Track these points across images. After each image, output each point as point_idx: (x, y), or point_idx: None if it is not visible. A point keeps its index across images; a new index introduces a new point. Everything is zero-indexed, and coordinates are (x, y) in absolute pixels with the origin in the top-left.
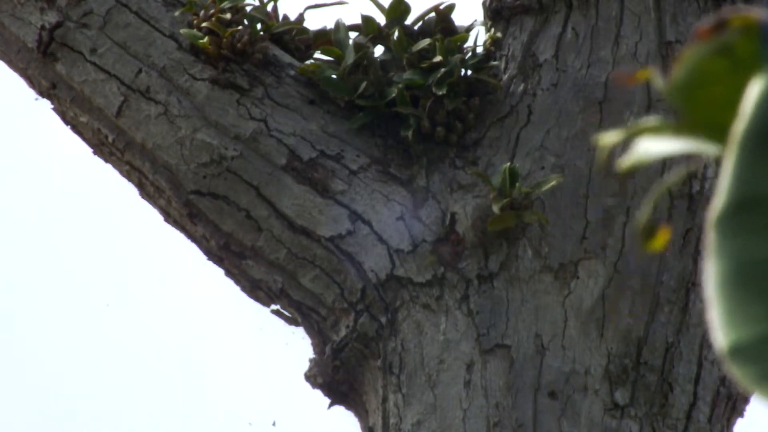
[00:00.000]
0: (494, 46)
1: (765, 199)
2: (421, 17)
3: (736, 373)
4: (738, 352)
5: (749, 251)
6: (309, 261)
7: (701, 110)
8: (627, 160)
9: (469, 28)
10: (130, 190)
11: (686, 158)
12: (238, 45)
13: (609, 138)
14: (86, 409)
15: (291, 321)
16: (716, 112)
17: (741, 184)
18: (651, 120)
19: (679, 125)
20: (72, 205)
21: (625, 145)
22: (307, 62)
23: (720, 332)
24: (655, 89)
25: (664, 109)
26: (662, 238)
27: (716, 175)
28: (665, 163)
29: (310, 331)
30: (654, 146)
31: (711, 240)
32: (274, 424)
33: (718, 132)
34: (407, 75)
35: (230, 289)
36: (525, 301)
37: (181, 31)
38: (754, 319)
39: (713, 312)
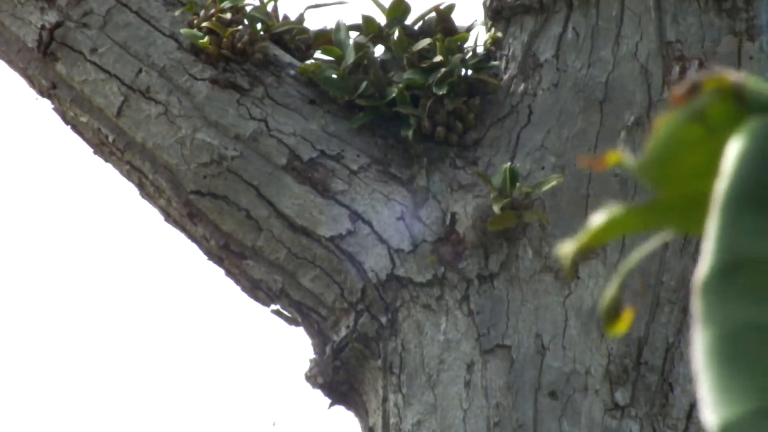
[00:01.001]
0: (494, 46)
1: (749, 262)
2: (421, 17)
3: None
4: (729, 430)
5: (734, 317)
6: (309, 261)
7: (677, 181)
8: (583, 238)
9: (469, 28)
10: (130, 190)
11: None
12: (238, 45)
13: (568, 247)
14: (86, 410)
15: (291, 321)
16: (693, 181)
17: (725, 248)
18: (612, 211)
19: (648, 207)
20: (72, 205)
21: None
22: (308, 62)
23: (709, 409)
24: (655, 88)
25: (665, 109)
26: (625, 322)
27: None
28: None
29: (310, 331)
30: (612, 227)
31: (697, 307)
32: (274, 424)
33: (695, 205)
34: (407, 75)
35: (230, 289)
36: (525, 301)
37: (182, 31)
38: (741, 395)
39: (702, 387)
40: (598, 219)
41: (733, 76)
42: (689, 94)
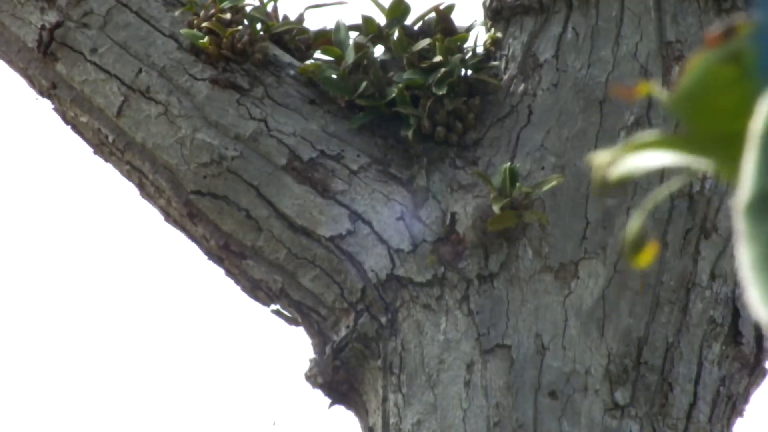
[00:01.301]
0: (494, 46)
1: None
2: (421, 17)
3: None
4: None
5: None
6: (309, 261)
7: (708, 119)
8: (618, 171)
9: (469, 28)
10: (130, 190)
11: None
12: (238, 45)
13: (603, 157)
14: (86, 410)
15: (291, 321)
16: (725, 120)
17: (765, 175)
18: (648, 134)
19: (679, 138)
20: (72, 205)
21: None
22: (307, 62)
23: (762, 308)
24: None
25: (665, 109)
26: (649, 254)
27: (717, 175)
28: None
29: (310, 331)
30: (647, 159)
31: (741, 228)
32: (274, 423)
33: (725, 142)
34: (407, 75)
35: (230, 289)
36: (525, 301)
37: (181, 31)
38: None
39: (751, 291)
40: (636, 137)
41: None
42: (724, 37)
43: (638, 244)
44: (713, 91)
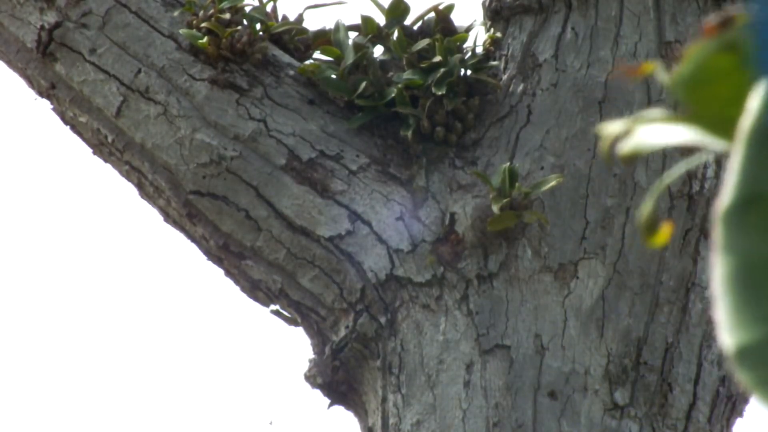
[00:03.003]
0: (494, 46)
1: None
2: (420, 17)
3: (741, 375)
4: (744, 354)
5: (756, 248)
6: (308, 261)
7: (705, 106)
8: (627, 147)
9: (468, 28)
10: (130, 191)
11: (688, 154)
12: (238, 45)
13: (611, 128)
14: (86, 410)
15: (290, 321)
16: (720, 107)
17: (748, 181)
18: (654, 113)
19: (684, 118)
20: (72, 205)
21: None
22: (307, 62)
23: (726, 333)
24: (654, 89)
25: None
26: (664, 234)
27: (716, 175)
28: (665, 162)
29: (309, 331)
30: (656, 135)
31: (718, 235)
32: (270, 423)
33: (722, 127)
34: (407, 75)
35: (230, 289)
36: (525, 301)
37: (181, 31)
38: (760, 320)
39: (719, 311)
40: (643, 114)
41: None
42: (721, 27)
43: (652, 225)
44: (710, 80)
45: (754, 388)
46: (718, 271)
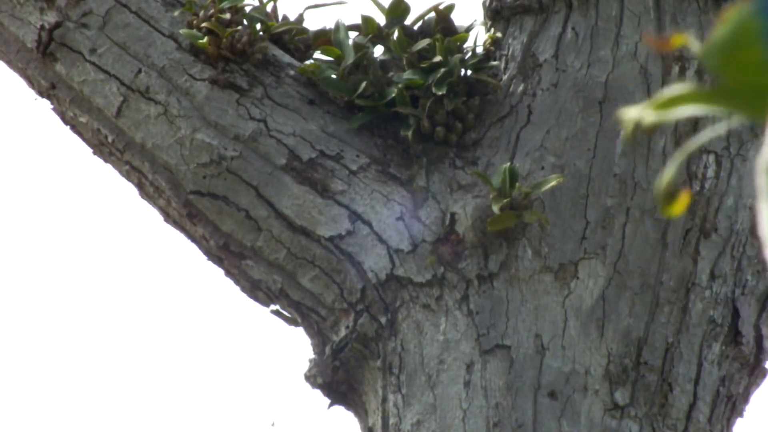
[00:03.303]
0: (494, 46)
1: None
2: (420, 17)
3: None
4: None
5: None
6: (309, 261)
7: (740, 72)
8: (652, 117)
9: (468, 28)
10: (130, 191)
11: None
12: (238, 45)
13: (633, 113)
14: (86, 410)
15: (291, 321)
16: (756, 73)
17: None
18: (677, 88)
19: (710, 92)
20: (72, 205)
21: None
22: (307, 62)
23: None
24: (655, 89)
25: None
26: (682, 203)
27: (716, 175)
28: (665, 161)
29: (309, 331)
30: (679, 108)
31: (762, 183)
32: (273, 424)
33: (755, 96)
34: (407, 75)
35: (230, 289)
36: (525, 301)
37: (181, 31)
38: None
39: None
40: (664, 92)
41: None
42: None
43: (671, 194)
44: (745, 44)
45: None
46: (764, 215)
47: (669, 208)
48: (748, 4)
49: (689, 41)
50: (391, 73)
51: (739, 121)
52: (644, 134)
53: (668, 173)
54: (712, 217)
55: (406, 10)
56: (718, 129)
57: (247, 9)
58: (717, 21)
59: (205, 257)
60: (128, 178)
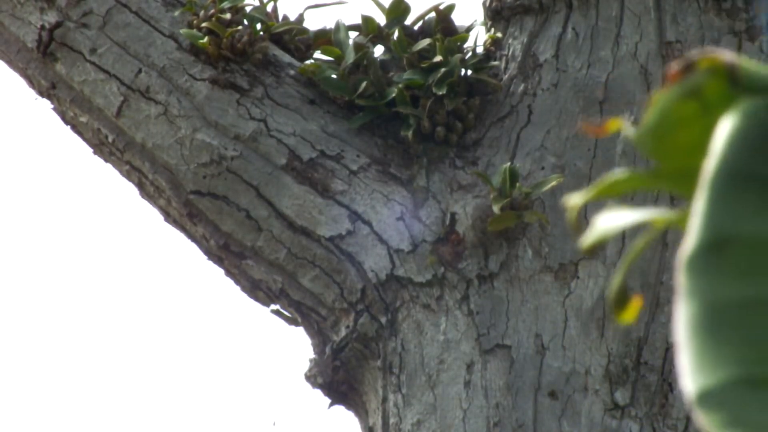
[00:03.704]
0: (494, 46)
1: (735, 239)
2: (421, 17)
3: (703, 419)
4: (704, 398)
5: (719, 293)
6: (309, 261)
7: (672, 155)
8: (589, 237)
9: (469, 28)
10: (130, 190)
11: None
12: (238, 45)
13: (576, 199)
14: (86, 410)
15: (291, 321)
16: (687, 156)
17: (711, 225)
18: (618, 173)
19: (649, 174)
20: (72, 205)
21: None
22: (307, 62)
23: (688, 377)
24: (655, 88)
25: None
26: (634, 309)
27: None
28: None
29: (310, 331)
30: (615, 219)
31: (681, 282)
32: (274, 424)
33: (689, 177)
34: (407, 75)
35: (230, 289)
36: (525, 301)
37: (181, 31)
38: (722, 364)
39: (682, 358)
40: (605, 178)
41: (727, 56)
42: (684, 72)
43: (622, 300)
44: (674, 127)
45: (716, 431)
46: (681, 316)
47: (621, 315)
48: (674, 87)
49: (623, 126)
50: (391, 73)
51: (669, 222)
52: (587, 255)
53: (616, 281)
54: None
55: (406, 10)
56: (651, 237)
57: (248, 9)
58: (647, 105)
59: (205, 257)
60: (128, 178)
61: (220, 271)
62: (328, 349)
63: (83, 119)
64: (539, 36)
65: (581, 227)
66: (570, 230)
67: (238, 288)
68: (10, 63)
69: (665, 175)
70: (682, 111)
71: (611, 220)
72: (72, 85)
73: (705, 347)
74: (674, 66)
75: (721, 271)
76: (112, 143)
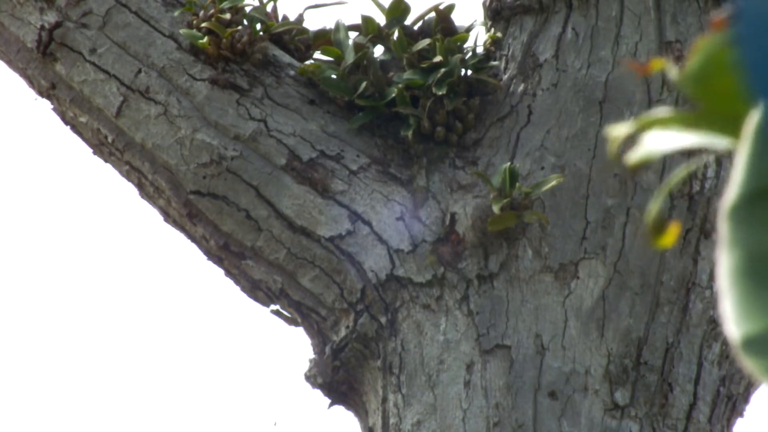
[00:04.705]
0: (494, 46)
1: None
2: (421, 17)
3: (749, 364)
4: (751, 343)
5: (762, 242)
6: (309, 261)
7: (714, 100)
8: (636, 155)
9: (469, 28)
10: (130, 191)
11: (688, 155)
12: (238, 45)
13: (619, 130)
14: (86, 410)
15: (291, 321)
16: (728, 102)
17: (755, 176)
18: (661, 111)
19: (691, 115)
20: (72, 205)
21: (632, 139)
22: (307, 62)
23: (733, 324)
24: (655, 88)
25: (664, 109)
26: (671, 235)
27: (716, 175)
28: (665, 163)
29: (310, 331)
30: (662, 140)
31: (724, 230)
32: (275, 424)
33: (730, 122)
34: (407, 75)
35: (230, 289)
36: (525, 301)
37: (181, 31)
38: (766, 311)
39: (726, 303)
40: (648, 114)
41: None
42: (729, 20)
43: (660, 226)
44: (717, 73)
45: (762, 376)
46: (724, 265)
47: (659, 240)
48: (719, 34)
49: (667, 66)
50: (391, 73)
51: (721, 147)
52: (632, 171)
53: (655, 206)
54: (713, 217)
55: (406, 10)
56: (701, 158)
57: (247, 9)
58: (691, 49)
59: (205, 257)
60: (128, 178)
61: (220, 272)
62: (328, 349)
63: (83, 119)
64: (539, 36)
65: (620, 161)
66: (613, 163)
67: (238, 288)
68: (10, 63)
69: (706, 118)
70: (726, 57)
71: (659, 142)
72: (72, 85)
73: (749, 295)
74: (718, 15)
75: (763, 220)
76: (112, 143)
